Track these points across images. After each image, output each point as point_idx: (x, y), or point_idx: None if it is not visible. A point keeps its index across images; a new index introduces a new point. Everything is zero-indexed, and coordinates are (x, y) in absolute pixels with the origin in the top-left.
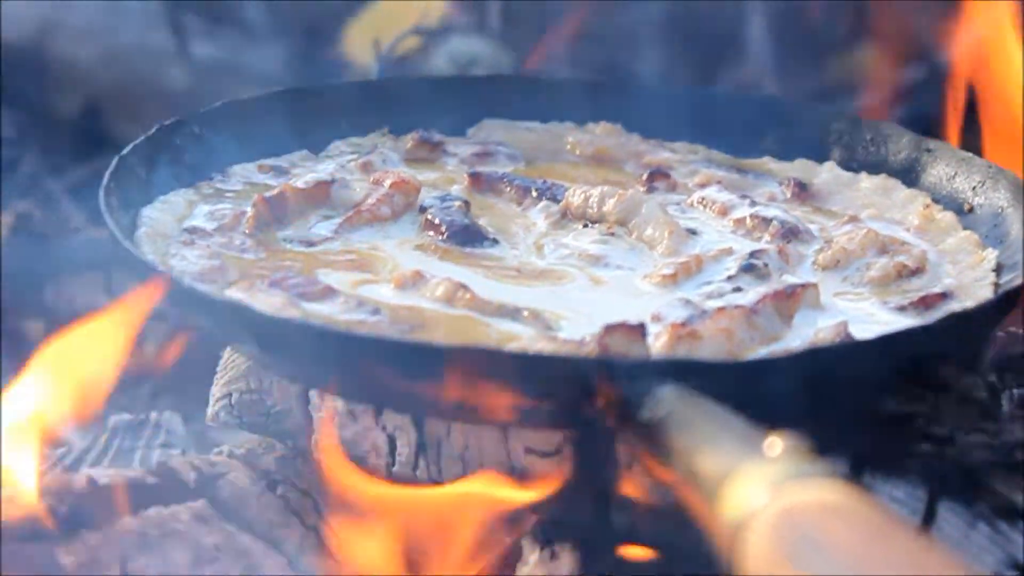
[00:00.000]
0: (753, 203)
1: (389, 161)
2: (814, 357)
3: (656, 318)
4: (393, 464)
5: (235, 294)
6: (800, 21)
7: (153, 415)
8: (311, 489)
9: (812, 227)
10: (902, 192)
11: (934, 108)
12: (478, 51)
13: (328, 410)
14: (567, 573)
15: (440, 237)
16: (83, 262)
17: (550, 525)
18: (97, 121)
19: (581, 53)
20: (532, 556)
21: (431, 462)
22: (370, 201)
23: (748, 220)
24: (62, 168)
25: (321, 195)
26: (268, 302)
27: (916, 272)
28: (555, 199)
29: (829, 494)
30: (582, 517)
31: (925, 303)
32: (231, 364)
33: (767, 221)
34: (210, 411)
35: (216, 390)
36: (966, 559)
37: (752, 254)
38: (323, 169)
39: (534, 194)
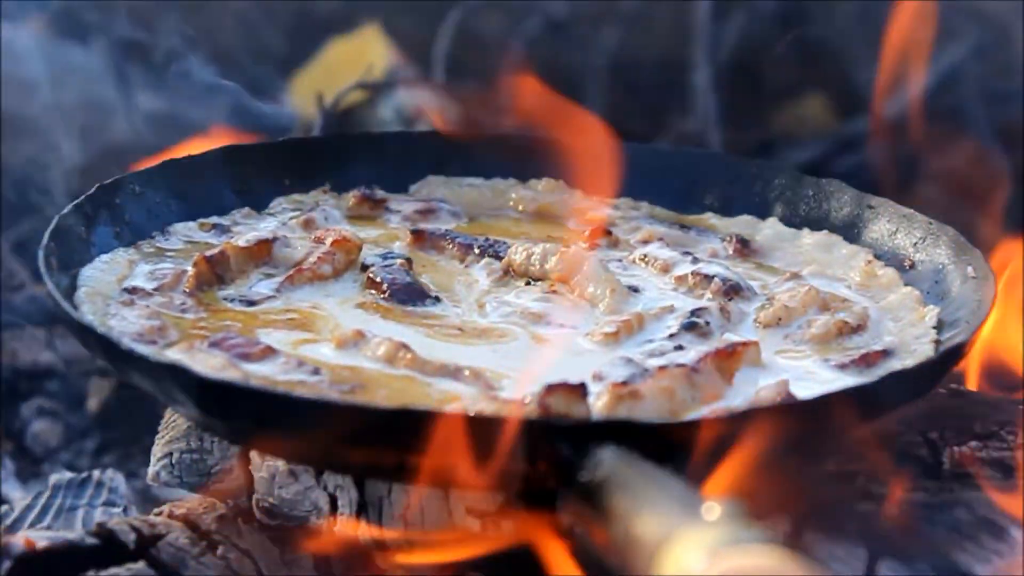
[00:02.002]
0: (695, 260)
1: (331, 218)
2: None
3: (597, 377)
4: (335, 523)
5: (175, 355)
6: (745, 73)
7: (96, 473)
8: (252, 549)
9: (754, 284)
10: (844, 248)
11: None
12: (423, 104)
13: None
14: None
15: (382, 295)
16: (26, 317)
17: None
18: (43, 175)
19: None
20: None
21: (372, 522)
22: (311, 259)
23: (690, 277)
24: (6, 222)
25: (262, 253)
26: (208, 363)
27: (857, 329)
28: (497, 256)
29: (767, 559)
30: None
31: (866, 361)
32: (172, 424)
33: (709, 278)
34: (151, 470)
35: (157, 449)
36: None
37: (694, 312)
38: (265, 227)
39: (476, 251)
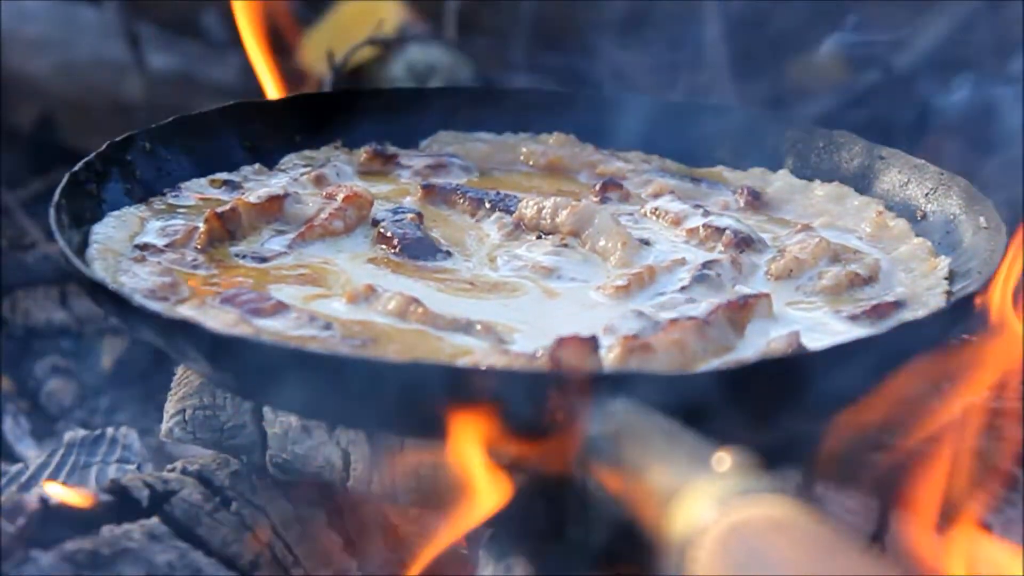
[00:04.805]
0: (706, 213)
1: (343, 174)
2: (766, 368)
3: (608, 330)
4: (348, 479)
5: (186, 311)
6: (757, 26)
7: (110, 430)
8: (265, 505)
9: (765, 236)
10: (855, 200)
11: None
12: (435, 60)
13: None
14: None
15: (393, 250)
16: (39, 276)
17: (505, 539)
18: (53, 134)
19: (539, 59)
20: (487, 570)
21: (385, 477)
22: (323, 215)
23: (701, 230)
24: (17, 181)
25: (274, 209)
26: (220, 319)
27: (869, 281)
28: (508, 210)
29: (777, 510)
30: (537, 531)
31: (878, 312)
32: (185, 380)
33: (720, 231)
34: (164, 427)
35: (170, 406)
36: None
37: (705, 264)
38: (276, 183)
39: (487, 206)
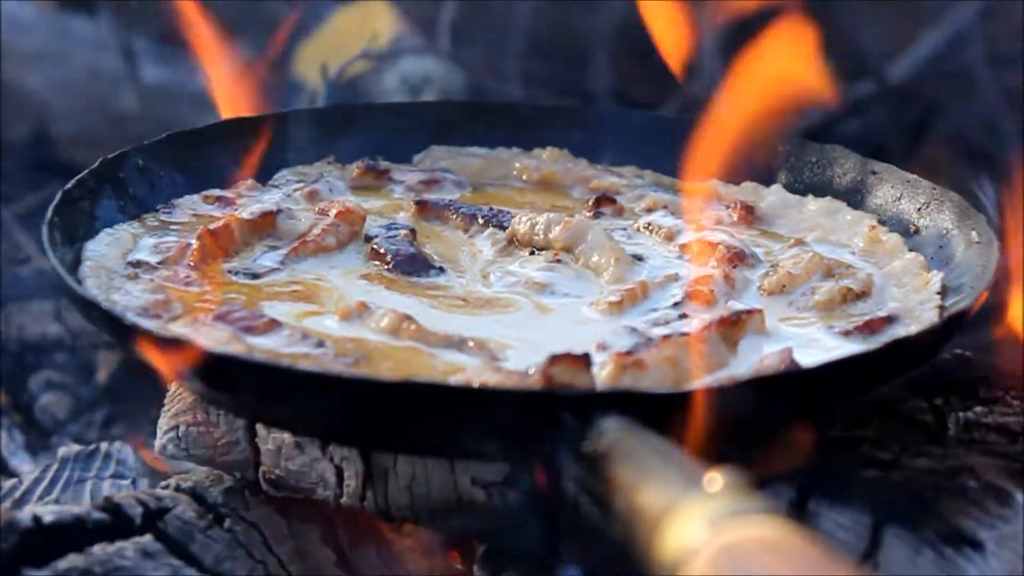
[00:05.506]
0: (699, 228)
1: (335, 189)
2: (758, 385)
3: (601, 347)
4: (341, 495)
5: (179, 329)
6: (749, 38)
7: (104, 445)
8: (259, 522)
9: (758, 251)
10: (848, 214)
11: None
12: (429, 71)
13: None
14: None
15: (386, 266)
16: (33, 291)
17: (498, 554)
18: (48, 147)
19: (533, 69)
20: None
21: (379, 493)
22: (315, 231)
23: (694, 245)
24: (12, 196)
25: (266, 226)
26: (212, 336)
27: (861, 296)
28: (501, 226)
29: (768, 530)
30: (529, 546)
31: (870, 327)
32: (178, 396)
33: (713, 246)
34: (157, 444)
35: (163, 422)
36: None
37: (698, 280)
38: (269, 199)
39: (480, 221)
